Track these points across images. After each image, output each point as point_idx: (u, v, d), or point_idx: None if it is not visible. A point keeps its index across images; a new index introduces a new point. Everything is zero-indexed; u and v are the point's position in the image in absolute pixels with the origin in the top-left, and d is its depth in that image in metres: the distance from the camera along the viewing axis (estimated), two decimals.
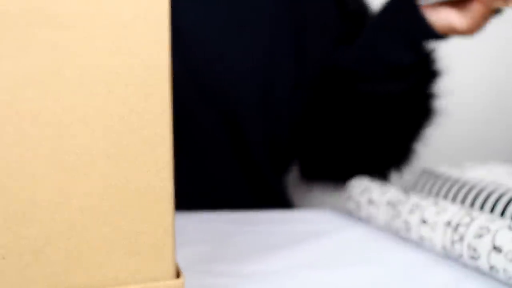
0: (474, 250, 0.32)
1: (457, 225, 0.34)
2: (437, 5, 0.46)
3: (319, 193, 0.62)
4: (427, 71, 0.53)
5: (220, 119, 0.53)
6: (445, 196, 0.42)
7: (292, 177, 0.64)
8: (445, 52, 0.55)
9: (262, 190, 0.57)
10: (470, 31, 0.45)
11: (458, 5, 0.45)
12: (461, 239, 0.33)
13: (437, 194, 0.43)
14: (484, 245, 0.32)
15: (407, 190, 0.44)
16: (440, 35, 0.47)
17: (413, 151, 0.57)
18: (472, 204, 0.39)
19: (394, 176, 0.58)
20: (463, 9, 0.45)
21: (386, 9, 0.51)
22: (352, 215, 0.47)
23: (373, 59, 0.51)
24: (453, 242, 0.34)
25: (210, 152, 0.54)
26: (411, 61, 0.50)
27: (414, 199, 0.40)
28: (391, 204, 0.41)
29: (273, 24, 0.54)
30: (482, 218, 0.33)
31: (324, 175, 0.59)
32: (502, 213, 0.36)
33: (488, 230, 0.32)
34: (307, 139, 0.58)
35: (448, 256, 0.36)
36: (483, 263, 0.32)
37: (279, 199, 0.58)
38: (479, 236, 0.32)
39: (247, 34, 0.53)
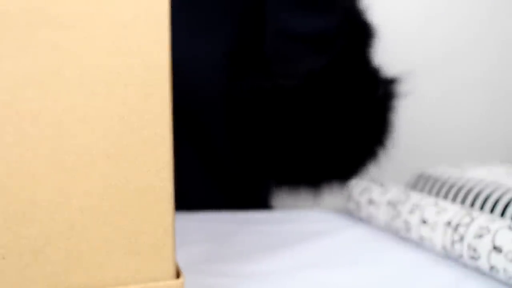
0: (474, 250, 0.32)
1: (457, 225, 0.34)
2: None
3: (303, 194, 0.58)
4: (352, 39, 0.47)
5: (183, 123, 0.50)
6: (445, 197, 0.42)
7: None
8: (445, 53, 0.54)
9: (233, 192, 0.55)
10: None
11: None
12: (461, 239, 0.33)
13: (437, 195, 0.43)
14: (484, 245, 0.32)
15: (407, 191, 0.43)
16: None
17: (379, 141, 0.49)
18: (472, 204, 0.39)
19: (391, 177, 0.56)
20: None
21: None
22: (352, 215, 0.47)
23: (277, 33, 0.46)
24: (453, 242, 0.34)
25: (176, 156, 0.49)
26: (316, 27, 0.45)
27: (414, 199, 0.40)
28: (391, 204, 0.41)
29: (235, 26, 0.51)
30: (482, 218, 0.33)
31: (291, 179, 0.53)
32: (502, 213, 0.36)
33: (488, 230, 0.32)
34: (270, 141, 0.51)
35: (448, 256, 0.36)
36: (483, 263, 0.32)
37: (254, 201, 0.56)
38: (479, 236, 0.32)
39: (208, 37, 0.50)
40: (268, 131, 0.49)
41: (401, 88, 0.49)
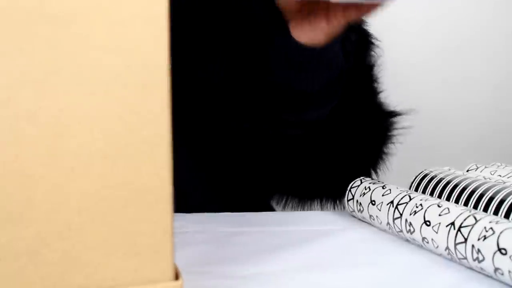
0: (478, 251, 0.32)
1: (461, 226, 0.34)
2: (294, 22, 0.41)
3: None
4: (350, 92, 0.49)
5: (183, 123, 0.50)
6: (448, 198, 0.41)
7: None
8: (447, 53, 0.54)
9: (233, 197, 0.56)
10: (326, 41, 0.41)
11: (308, 22, 0.41)
12: (465, 240, 0.33)
13: (440, 196, 0.42)
14: (488, 247, 0.31)
15: (409, 191, 0.43)
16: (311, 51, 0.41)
17: (374, 167, 0.53)
18: (476, 205, 0.39)
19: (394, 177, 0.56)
20: (314, 26, 0.40)
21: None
22: (354, 216, 0.47)
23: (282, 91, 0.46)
24: (456, 244, 0.34)
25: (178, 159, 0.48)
26: (319, 86, 0.44)
27: (416, 199, 0.39)
28: (393, 205, 0.41)
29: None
30: (486, 219, 0.33)
31: (286, 194, 0.56)
32: (507, 215, 0.36)
33: (493, 231, 0.31)
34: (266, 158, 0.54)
35: (452, 257, 0.35)
36: (487, 265, 0.31)
37: (253, 205, 0.57)
38: (484, 237, 0.32)
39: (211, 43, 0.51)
40: (264, 159, 0.52)
41: (402, 122, 0.53)
